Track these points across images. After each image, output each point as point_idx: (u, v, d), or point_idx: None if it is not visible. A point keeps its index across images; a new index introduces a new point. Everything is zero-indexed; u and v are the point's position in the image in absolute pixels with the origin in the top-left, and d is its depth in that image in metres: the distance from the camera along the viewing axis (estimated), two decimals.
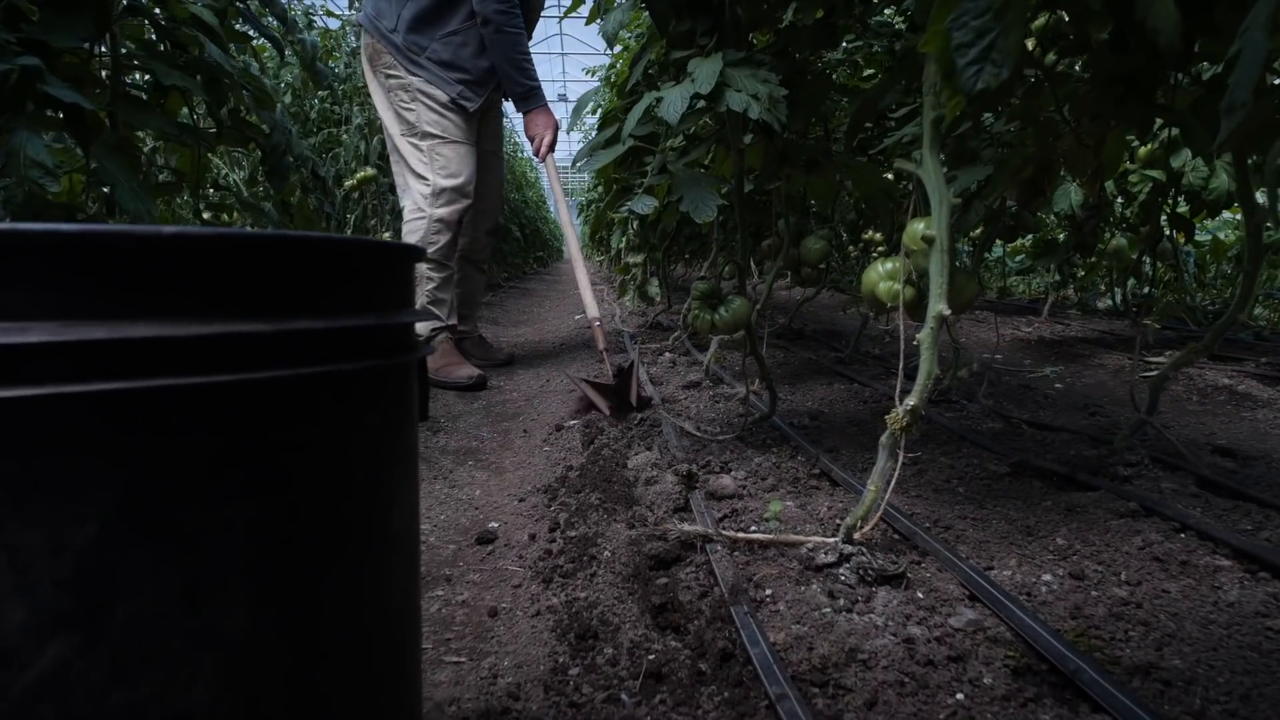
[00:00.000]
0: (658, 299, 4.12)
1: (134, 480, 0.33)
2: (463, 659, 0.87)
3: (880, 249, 3.28)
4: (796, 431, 1.73)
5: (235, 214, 2.29)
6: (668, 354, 2.97)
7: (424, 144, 2.50)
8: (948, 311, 0.94)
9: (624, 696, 0.73)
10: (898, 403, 0.99)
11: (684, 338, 3.14)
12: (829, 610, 0.88)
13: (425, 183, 2.49)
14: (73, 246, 0.31)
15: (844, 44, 1.75)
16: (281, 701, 0.38)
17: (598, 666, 0.81)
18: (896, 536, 1.11)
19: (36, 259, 0.31)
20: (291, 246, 0.37)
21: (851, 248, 3.45)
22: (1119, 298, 4.53)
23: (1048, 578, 0.95)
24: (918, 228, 1.06)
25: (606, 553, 1.10)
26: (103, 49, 1.58)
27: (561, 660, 0.83)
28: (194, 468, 0.34)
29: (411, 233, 2.52)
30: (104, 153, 1.46)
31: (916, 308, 1.14)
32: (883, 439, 0.98)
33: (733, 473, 1.43)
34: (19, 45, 1.26)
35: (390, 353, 0.43)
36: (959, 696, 0.71)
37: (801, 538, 1.08)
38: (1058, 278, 3.95)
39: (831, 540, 1.07)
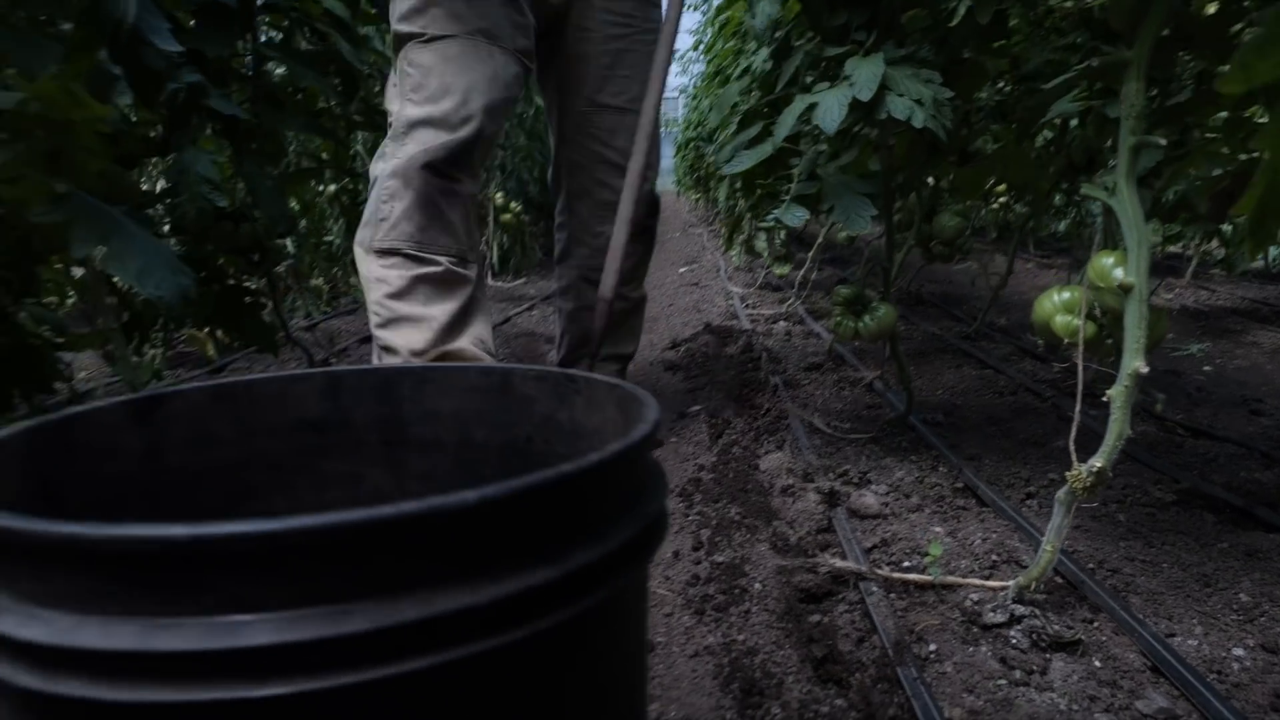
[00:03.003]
0: (766, 254, 4.04)
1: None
2: None
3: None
4: (931, 430, 1.68)
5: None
6: (782, 323, 2.91)
7: (398, 57, 1.41)
8: (1145, 369, 0.87)
9: None
10: (1073, 454, 0.94)
11: (799, 305, 3.07)
12: (1004, 682, 0.85)
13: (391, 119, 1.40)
14: (396, 527, 0.31)
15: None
16: None
17: None
18: (1061, 582, 1.07)
19: (355, 545, 0.31)
20: (565, 482, 0.36)
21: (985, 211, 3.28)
22: (1271, 256, 4.17)
23: (1239, 651, 0.90)
24: (1106, 263, 0.98)
25: (756, 585, 1.10)
26: (245, 47, 1.61)
27: (729, 717, 0.84)
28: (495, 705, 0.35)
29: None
30: (248, 158, 1.49)
31: (1097, 345, 1.06)
32: (1060, 494, 0.93)
33: (874, 486, 1.40)
34: (181, 57, 1.29)
35: (644, 550, 0.42)
36: None
37: (960, 580, 1.06)
38: (1203, 231, 3.66)
39: (994, 585, 1.04)
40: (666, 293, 4.01)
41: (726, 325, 2.90)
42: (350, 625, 0.30)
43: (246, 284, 1.79)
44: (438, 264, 1.37)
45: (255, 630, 0.30)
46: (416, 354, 1.36)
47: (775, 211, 1.32)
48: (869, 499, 1.32)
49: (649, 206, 1.73)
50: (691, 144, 7.98)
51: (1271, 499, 1.30)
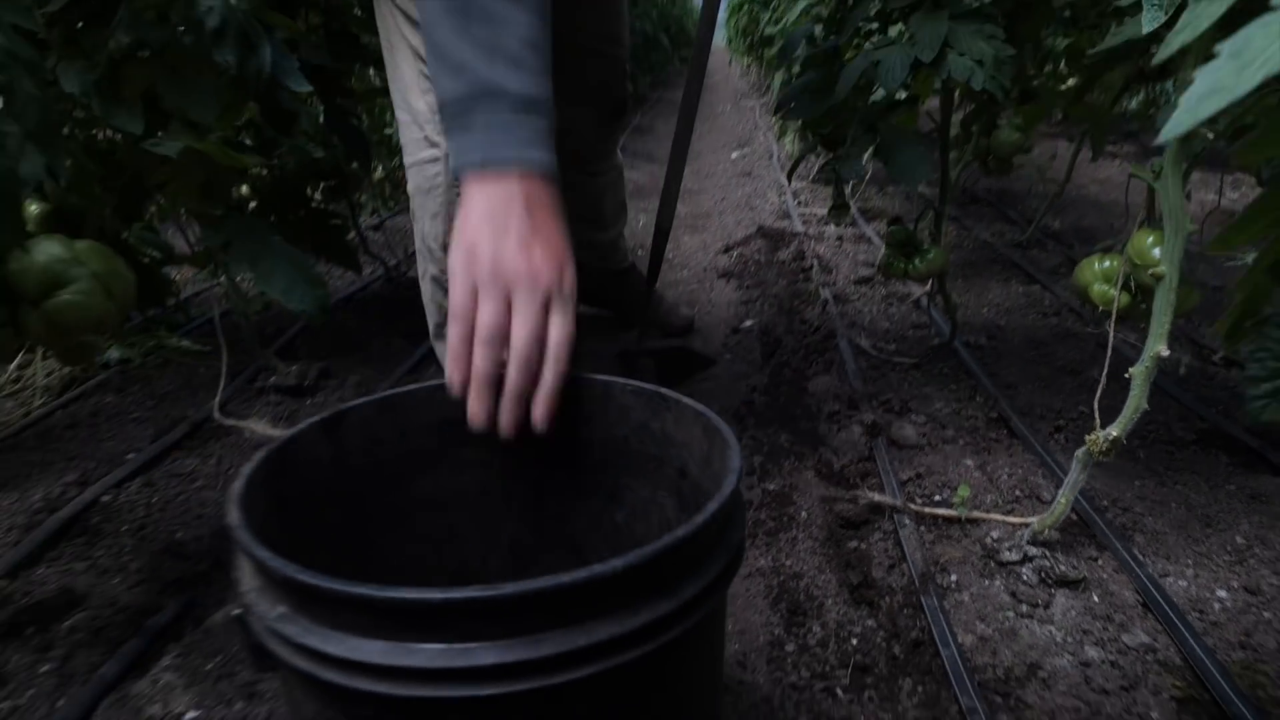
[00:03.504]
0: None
1: (605, 692, 0.50)
2: None
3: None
4: (973, 354, 1.78)
5: None
6: (833, 227, 2.96)
7: None
8: (1166, 353, 0.97)
9: (839, 691, 0.91)
10: (1096, 418, 1.05)
11: (853, 207, 3.09)
12: (1011, 614, 1.01)
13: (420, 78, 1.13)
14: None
15: None
16: None
17: (810, 648, 0.99)
18: (1074, 518, 1.20)
19: (544, 599, 0.45)
20: (680, 544, 0.50)
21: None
22: None
23: (1222, 593, 1.04)
24: (1146, 243, 1.06)
25: (803, 513, 1.26)
26: None
27: (777, 633, 1.02)
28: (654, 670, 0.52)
29: (422, 191, 1.20)
30: (329, 102, 1.58)
31: (1130, 314, 1.15)
32: (1079, 454, 1.05)
33: (913, 416, 1.53)
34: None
35: (736, 563, 0.57)
36: None
37: (984, 515, 1.20)
38: None
39: (1014, 521, 1.18)
40: (719, 183, 4.02)
41: (778, 228, 2.96)
42: (541, 650, 0.46)
43: (329, 208, 1.91)
44: None
45: (480, 654, 0.45)
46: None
47: (834, 163, 1.39)
48: (908, 431, 1.45)
49: (619, 80, 1.74)
50: (745, 6, 7.64)
51: None
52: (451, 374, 0.70)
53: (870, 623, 1.04)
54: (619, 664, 0.48)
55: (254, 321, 1.70)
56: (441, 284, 1.28)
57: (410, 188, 1.24)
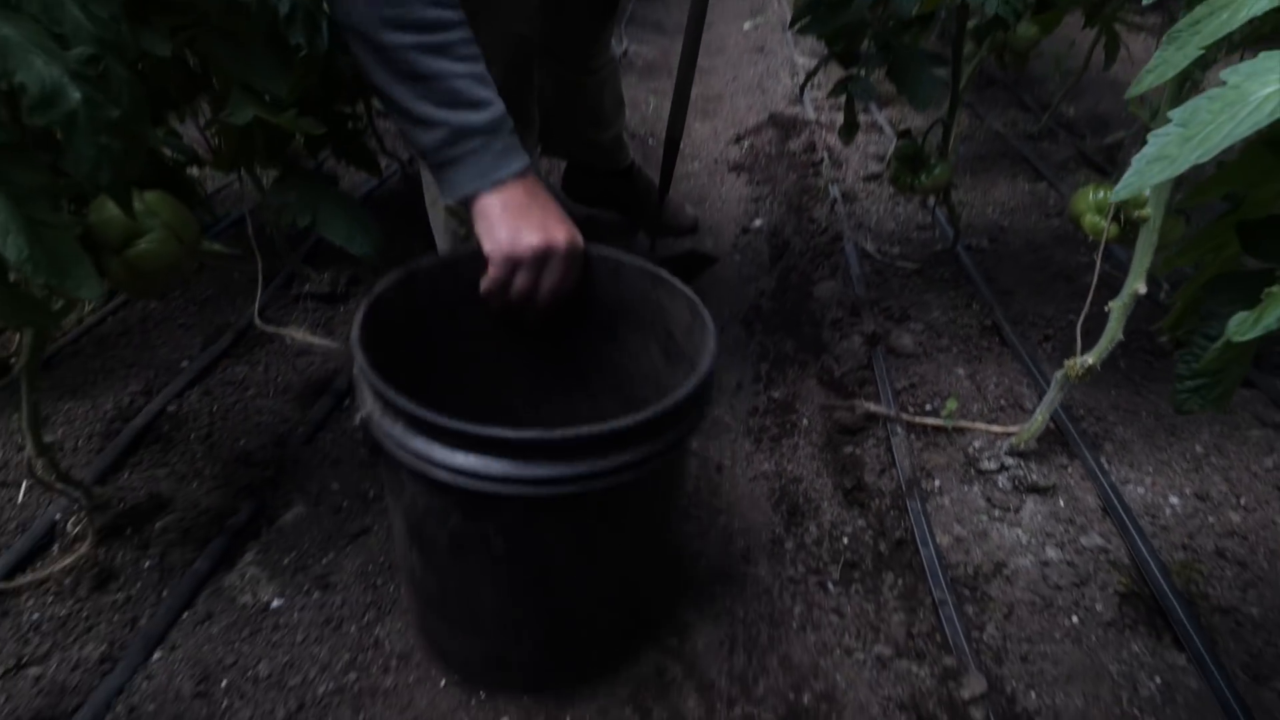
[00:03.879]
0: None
1: (613, 498, 0.77)
2: (703, 513, 1.21)
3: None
4: (973, 258, 1.86)
5: None
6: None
7: None
8: (1144, 291, 1.05)
9: (829, 585, 1.06)
10: (1078, 342, 1.15)
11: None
12: (985, 518, 1.15)
13: None
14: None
15: None
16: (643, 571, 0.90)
17: (806, 546, 1.13)
18: (1052, 427, 1.32)
19: (579, 441, 0.70)
20: (669, 410, 0.74)
21: None
22: None
23: (1175, 500, 1.17)
24: None
25: (804, 420, 1.38)
26: None
27: (778, 532, 1.16)
28: (646, 485, 0.79)
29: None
30: None
31: (1119, 242, 1.22)
32: (1057, 376, 1.16)
33: (911, 324, 1.62)
34: None
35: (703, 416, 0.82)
36: (1074, 619, 0.99)
37: (969, 425, 1.32)
38: None
39: (996, 430, 1.30)
40: (730, 60, 3.92)
41: (790, 115, 2.94)
42: (576, 470, 0.71)
43: (346, 110, 1.94)
44: None
45: (537, 469, 0.70)
46: None
47: (847, 83, 1.42)
48: (906, 340, 1.55)
49: None
50: None
51: (1258, 351, 1.50)
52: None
53: (860, 523, 1.18)
54: (626, 480, 0.73)
55: (284, 231, 1.77)
56: (456, 213, 1.33)
57: None
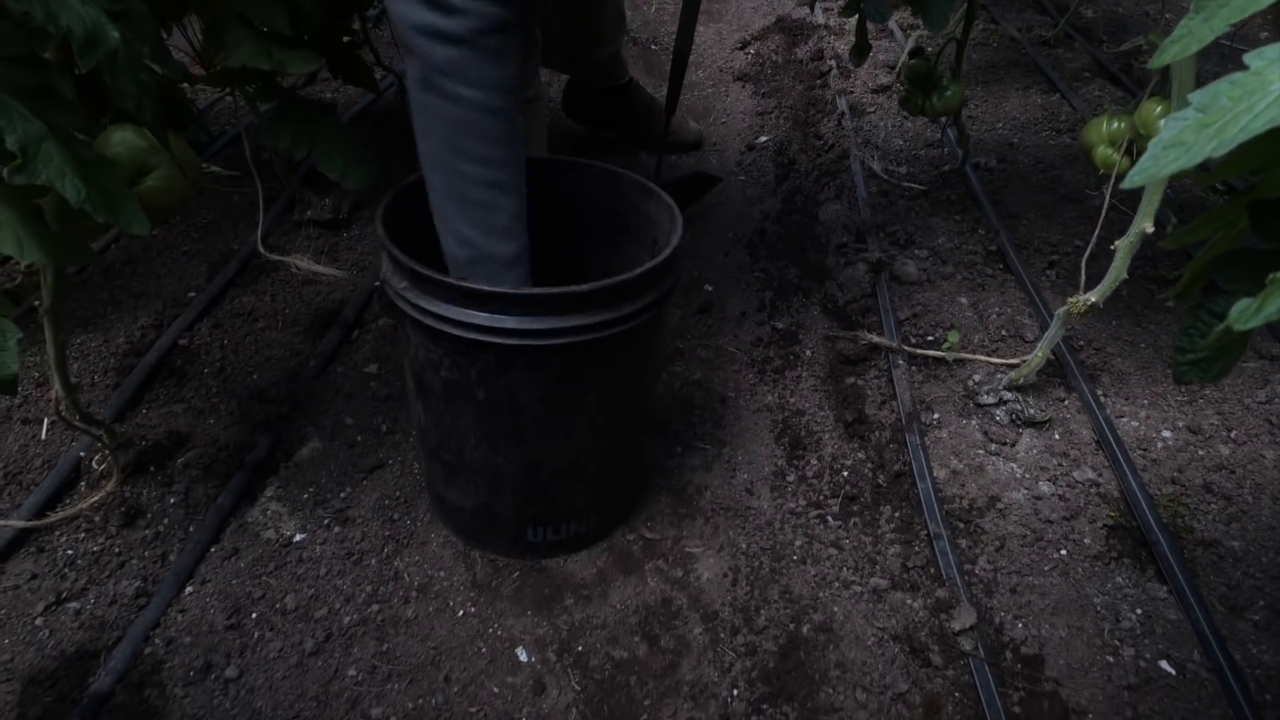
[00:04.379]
0: None
1: (567, 364, 0.90)
2: (707, 446, 1.24)
3: None
4: (981, 179, 1.83)
5: None
6: (853, 19, 2.82)
7: None
8: (1150, 230, 1.05)
9: (830, 518, 1.10)
10: (1082, 277, 1.16)
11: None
12: (982, 452, 1.18)
13: None
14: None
15: None
16: (611, 441, 1.01)
17: (807, 479, 1.17)
18: (1051, 358, 1.34)
19: (569, 299, 0.86)
20: (636, 278, 0.88)
21: None
22: None
23: (1167, 434, 1.20)
24: (1154, 114, 1.10)
25: (807, 352, 1.40)
26: None
27: (780, 465, 1.20)
28: (583, 359, 0.90)
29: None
30: None
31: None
32: (1059, 312, 1.17)
33: (916, 250, 1.62)
34: None
35: (661, 300, 0.92)
36: (1062, 552, 1.04)
37: (969, 356, 1.34)
38: None
39: (996, 362, 1.32)
40: None
41: (798, 18, 2.83)
42: (568, 322, 0.85)
43: (340, 22, 1.87)
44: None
45: (507, 320, 0.84)
46: None
47: (860, 2, 1.37)
48: (910, 268, 1.55)
49: None
50: None
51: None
52: None
53: (860, 456, 1.21)
54: (609, 335, 0.87)
55: (282, 155, 1.74)
56: None
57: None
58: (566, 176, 1.12)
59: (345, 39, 1.89)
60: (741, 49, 2.70)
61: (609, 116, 2.05)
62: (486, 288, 0.82)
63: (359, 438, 1.21)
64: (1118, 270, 1.09)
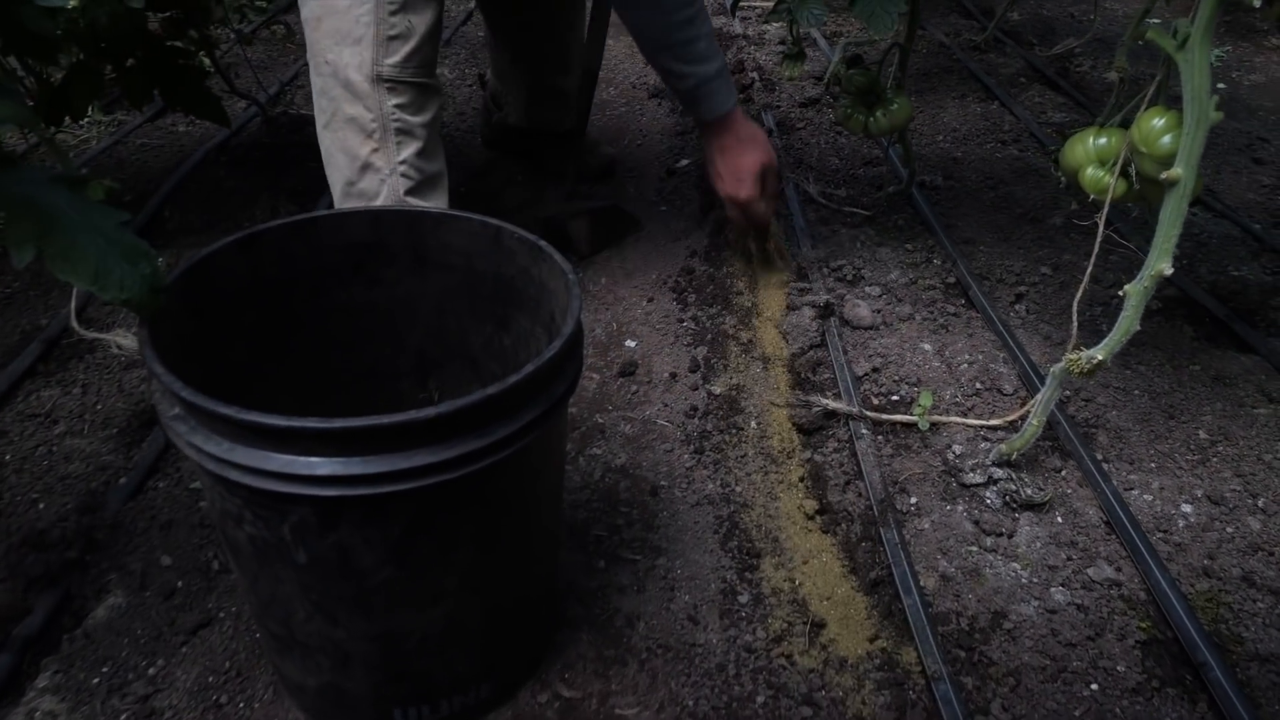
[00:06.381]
0: None
1: (421, 512, 0.63)
2: (638, 556, 0.99)
3: None
4: (928, 199, 1.64)
5: None
6: (773, 27, 2.64)
7: None
8: (1169, 272, 0.85)
9: (796, 657, 0.86)
10: (1074, 324, 0.95)
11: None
12: (975, 549, 0.95)
13: None
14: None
15: None
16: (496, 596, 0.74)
17: (764, 598, 0.92)
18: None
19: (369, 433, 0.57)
20: (496, 397, 0.60)
21: None
22: None
23: (1187, 508, 1.00)
24: (1155, 126, 0.90)
25: (753, 423, 1.16)
26: None
27: (730, 579, 0.95)
28: (444, 503, 0.64)
29: (335, 12, 1.11)
30: None
31: (1125, 201, 1.01)
32: (1055, 370, 0.96)
33: (867, 287, 1.41)
34: None
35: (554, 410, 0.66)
36: (1093, 687, 0.81)
37: (944, 419, 1.12)
38: None
39: (974, 424, 1.10)
40: None
41: (716, 29, 2.62)
42: (412, 460, 0.58)
43: (179, 45, 1.57)
44: (439, 92, 1.19)
45: (364, 462, 0.57)
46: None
47: (791, 6, 1.14)
48: (862, 310, 1.33)
49: None
50: None
51: (1251, 305, 1.34)
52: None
53: (827, 558, 0.98)
54: (434, 483, 0.59)
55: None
56: (362, 126, 1.12)
57: (307, 12, 1.13)
58: (435, 232, 0.86)
59: (183, 62, 1.59)
60: None
61: (526, 148, 1.81)
62: (282, 421, 0.55)
63: (179, 583, 0.92)
64: (1129, 321, 0.89)
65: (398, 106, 1.12)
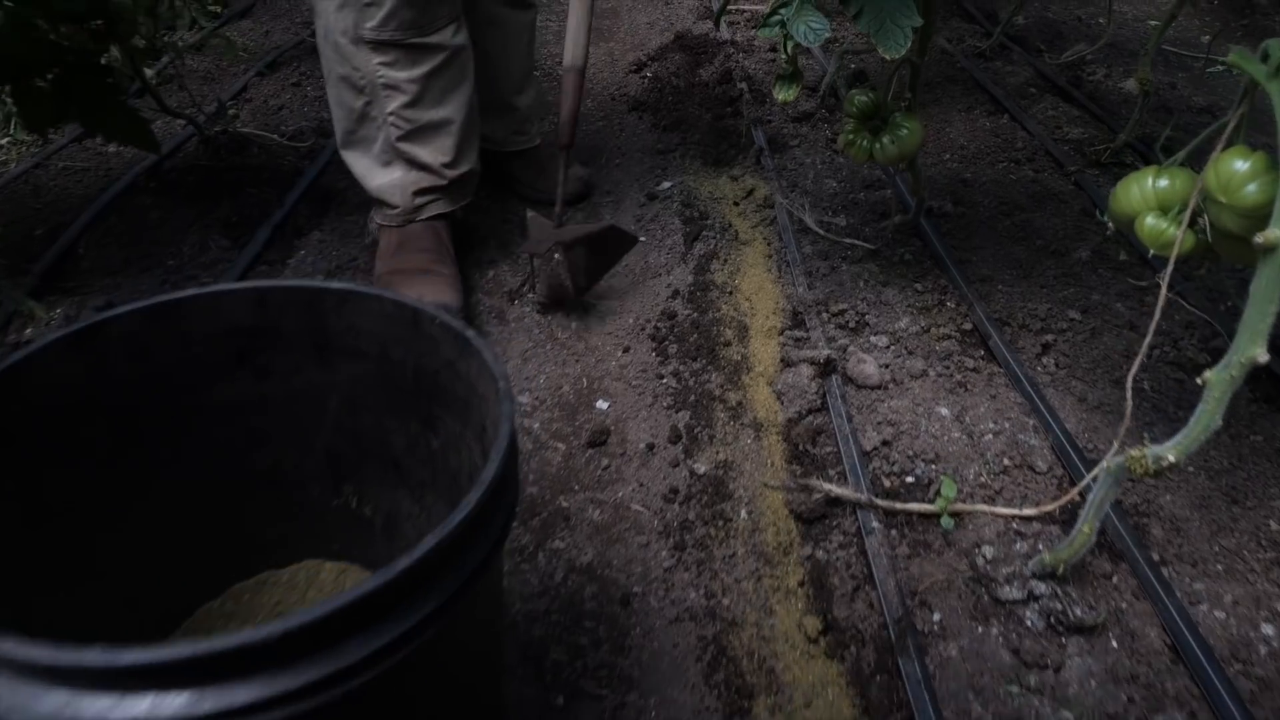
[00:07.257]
0: None
1: None
2: (604, 691, 0.81)
3: None
4: (938, 229, 1.46)
5: None
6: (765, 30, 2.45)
7: None
8: (1264, 359, 0.67)
9: None
10: (1128, 405, 0.78)
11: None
12: (1015, 688, 0.78)
13: None
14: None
15: None
16: None
17: None
18: (1079, 499, 0.96)
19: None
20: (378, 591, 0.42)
21: None
22: None
23: (1268, 630, 0.83)
24: (1237, 170, 0.73)
25: (743, 512, 0.98)
26: None
27: None
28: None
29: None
30: None
31: (1192, 258, 0.84)
32: (1110, 466, 0.78)
33: (872, 337, 1.23)
34: None
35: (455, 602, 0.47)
36: None
37: (969, 507, 0.94)
38: None
39: (1006, 514, 0.93)
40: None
41: (700, 35, 2.45)
42: (255, 692, 0.40)
43: (95, 61, 1.38)
44: (443, 48, 1.26)
45: (162, 704, 0.39)
46: (447, 165, 1.32)
47: (782, 17, 0.97)
48: (868, 366, 1.15)
49: None
50: None
51: None
52: None
53: (833, 694, 0.80)
54: (321, 703, 0.42)
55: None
56: (353, 83, 1.25)
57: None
58: (339, 313, 0.68)
59: (103, 81, 1.41)
60: (637, 72, 2.30)
61: (509, 175, 1.65)
62: (46, 653, 0.38)
63: None
64: (1209, 415, 0.71)
65: (382, 64, 1.22)
